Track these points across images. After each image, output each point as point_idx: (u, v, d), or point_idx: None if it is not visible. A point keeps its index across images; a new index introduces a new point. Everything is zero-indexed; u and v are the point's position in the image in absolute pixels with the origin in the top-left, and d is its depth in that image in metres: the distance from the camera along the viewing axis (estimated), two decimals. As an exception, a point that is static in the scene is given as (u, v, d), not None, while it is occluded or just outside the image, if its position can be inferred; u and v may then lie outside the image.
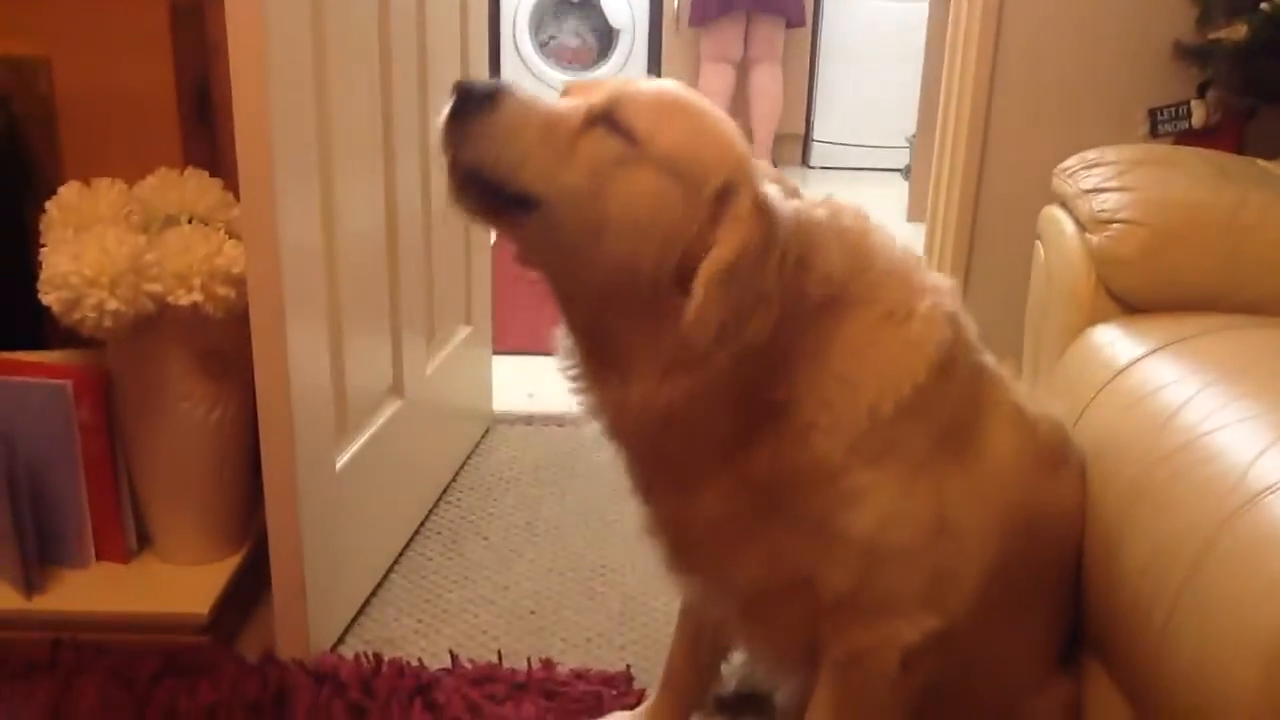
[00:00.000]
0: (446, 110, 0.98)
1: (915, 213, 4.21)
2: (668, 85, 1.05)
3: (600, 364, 1.08)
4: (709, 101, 1.06)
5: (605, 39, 5.38)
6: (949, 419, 1.14)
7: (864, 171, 5.27)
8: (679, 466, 1.12)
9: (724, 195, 1.00)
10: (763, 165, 1.09)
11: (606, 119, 1.00)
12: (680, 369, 1.02)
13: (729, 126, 1.05)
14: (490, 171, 0.98)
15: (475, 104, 0.97)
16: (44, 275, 1.50)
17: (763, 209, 0.99)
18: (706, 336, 0.97)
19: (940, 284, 1.14)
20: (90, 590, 1.65)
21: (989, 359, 1.21)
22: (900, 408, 1.08)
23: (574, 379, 1.12)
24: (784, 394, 1.07)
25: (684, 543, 1.20)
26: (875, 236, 1.13)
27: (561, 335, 1.13)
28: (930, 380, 1.09)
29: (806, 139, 5.55)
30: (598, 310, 1.05)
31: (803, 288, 1.04)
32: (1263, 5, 1.85)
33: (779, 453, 1.08)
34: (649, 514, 1.20)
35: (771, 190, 1.02)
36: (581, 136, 1.00)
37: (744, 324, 0.99)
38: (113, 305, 1.46)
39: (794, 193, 1.09)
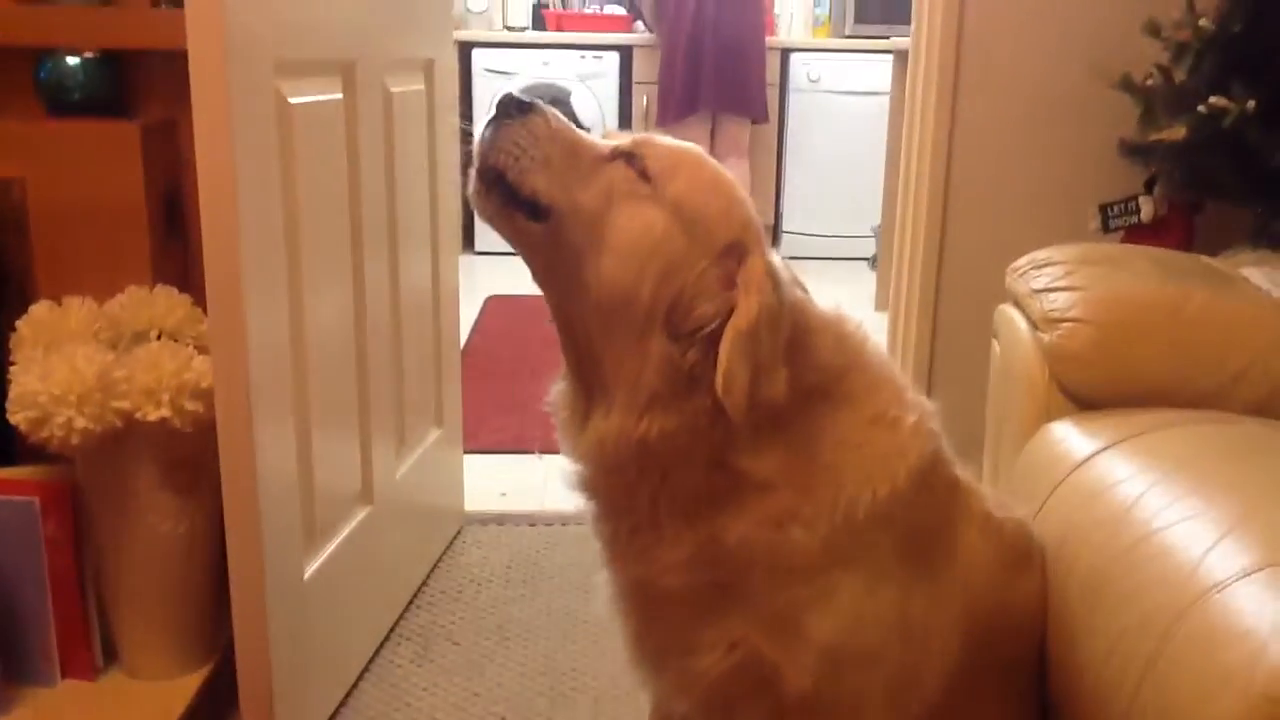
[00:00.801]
0: (487, 118, 1.09)
1: (883, 302, 4.27)
2: (691, 146, 1.14)
3: (588, 397, 1.12)
4: (724, 170, 1.13)
5: (575, 137, 5.48)
6: (919, 528, 1.17)
7: (833, 261, 5.36)
8: (647, 521, 1.12)
9: (732, 253, 1.06)
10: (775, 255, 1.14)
11: (628, 156, 1.09)
12: (659, 407, 1.05)
13: (741, 194, 1.12)
14: (512, 174, 1.07)
15: (511, 113, 1.08)
16: (12, 395, 1.51)
17: (774, 277, 1.05)
18: (740, 395, 1.01)
19: (926, 404, 1.19)
20: (57, 711, 1.63)
21: (962, 471, 1.25)
22: (875, 509, 1.10)
23: (562, 421, 1.16)
24: (759, 470, 1.09)
25: (647, 616, 1.19)
26: (872, 347, 1.18)
27: (558, 380, 1.18)
28: (908, 488, 1.12)
29: (776, 229, 5.64)
30: (592, 337, 1.09)
31: (795, 368, 1.07)
32: (1200, 107, 1.92)
33: (750, 532, 1.09)
34: (615, 578, 1.20)
35: (777, 262, 1.09)
36: (602, 165, 1.09)
37: (762, 383, 1.03)
38: (80, 423, 1.48)
39: (798, 284, 1.14)
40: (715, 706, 1.22)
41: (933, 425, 1.17)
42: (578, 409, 1.13)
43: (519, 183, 1.07)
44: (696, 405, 1.04)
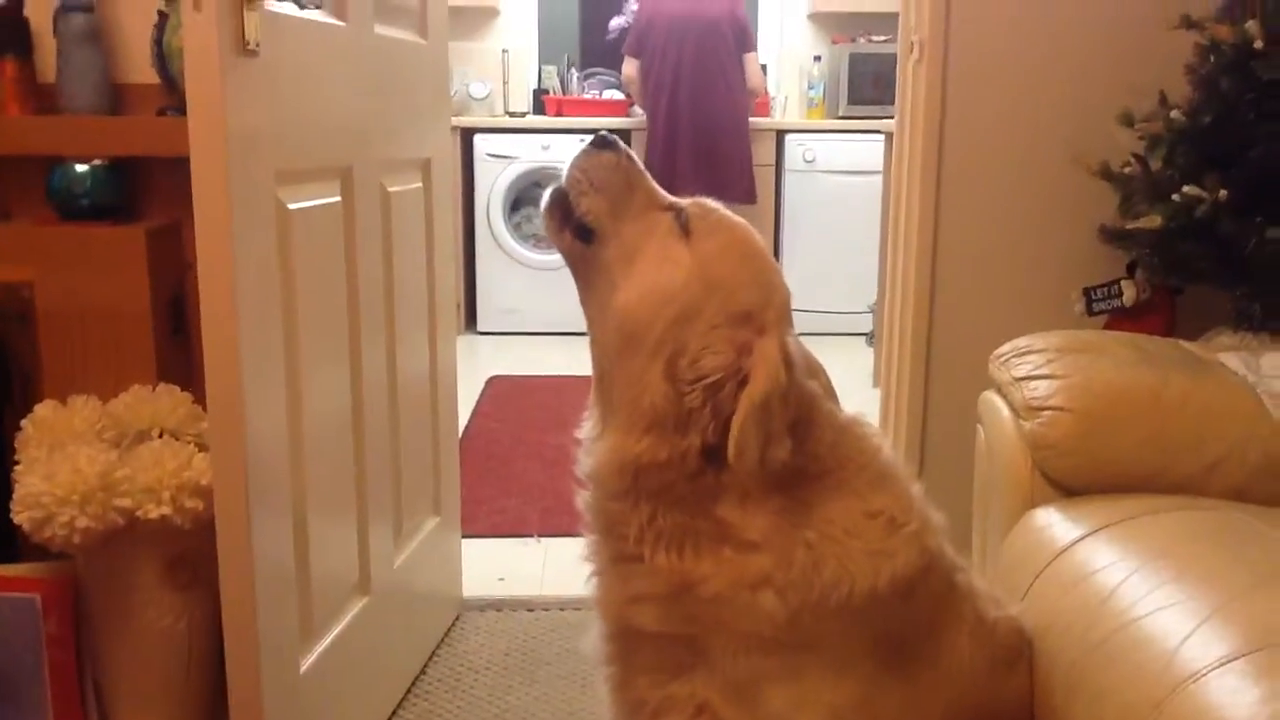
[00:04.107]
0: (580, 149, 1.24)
1: (880, 379, 4.31)
2: (741, 221, 1.22)
3: (602, 415, 1.20)
4: (767, 251, 1.21)
5: (575, 218, 5.57)
6: (897, 631, 1.19)
7: (831, 337, 5.39)
8: (633, 551, 1.15)
9: (748, 322, 1.12)
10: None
11: (678, 211, 1.20)
12: (653, 434, 1.12)
13: (775, 277, 1.19)
14: (572, 193, 1.21)
15: (594, 146, 1.23)
16: (17, 495, 1.55)
17: (787, 356, 1.11)
18: (751, 459, 1.07)
19: (934, 518, 1.23)
20: (53, 806, 1.64)
21: (962, 575, 1.27)
22: (851, 602, 1.13)
23: (582, 445, 1.22)
24: (743, 527, 1.12)
25: (625, 661, 1.21)
26: (886, 453, 1.22)
27: (589, 406, 1.25)
28: (888, 591, 1.14)
29: (774, 306, 5.69)
30: (610, 360, 1.18)
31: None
32: (1174, 196, 1.97)
33: (725, 591, 1.12)
34: (601, 615, 1.23)
35: (798, 350, 1.15)
36: (653, 209, 1.21)
37: (770, 449, 1.08)
38: (83, 522, 1.51)
39: (818, 377, 1.20)
40: None
41: (931, 541, 1.20)
42: (594, 432, 1.21)
43: (575, 201, 1.20)
44: (687, 445, 1.11)
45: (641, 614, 1.17)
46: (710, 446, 1.11)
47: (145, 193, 1.88)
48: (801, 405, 1.13)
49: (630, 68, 5.42)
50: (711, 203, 1.22)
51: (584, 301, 1.24)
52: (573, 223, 1.21)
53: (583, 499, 1.21)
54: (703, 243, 1.16)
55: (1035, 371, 1.72)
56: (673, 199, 1.23)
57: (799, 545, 1.13)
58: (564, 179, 1.23)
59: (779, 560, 1.12)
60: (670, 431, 1.11)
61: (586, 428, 1.23)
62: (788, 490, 1.13)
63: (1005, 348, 1.83)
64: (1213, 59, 2.05)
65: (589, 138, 1.28)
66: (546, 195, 1.24)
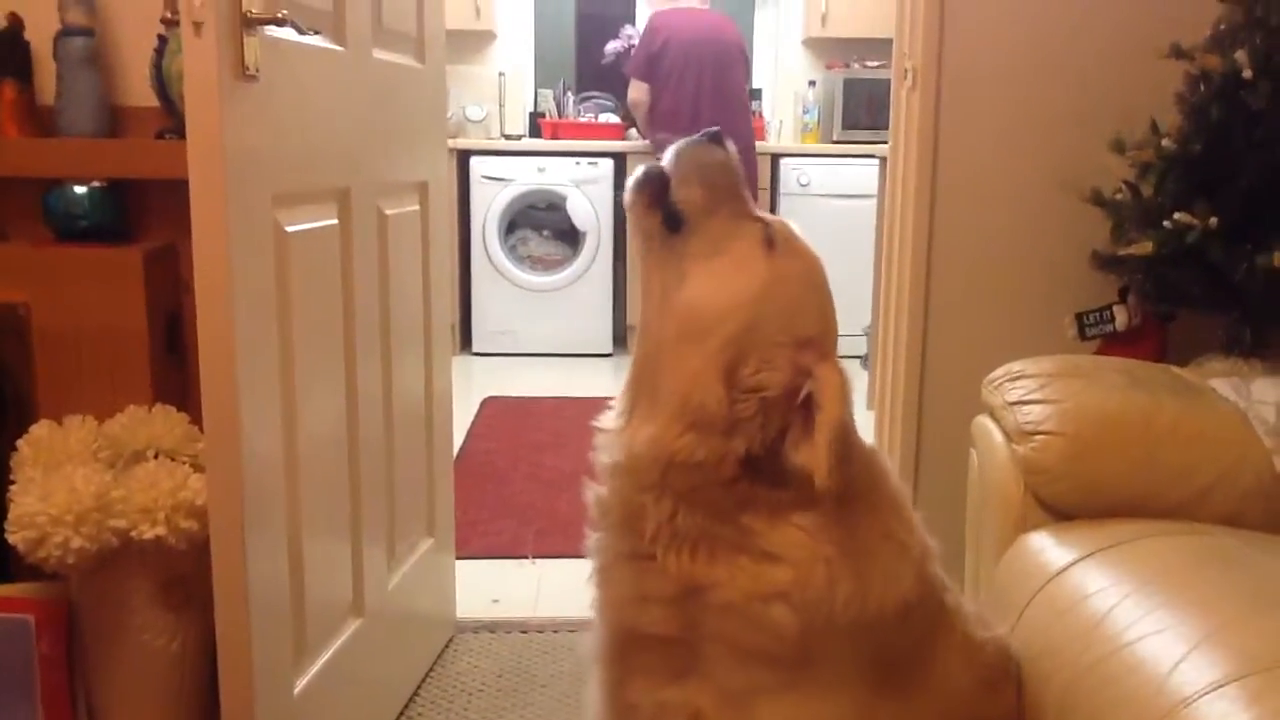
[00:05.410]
0: (686, 140, 1.25)
1: (874, 400, 4.31)
2: (816, 252, 1.23)
3: (637, 404, 1.18)
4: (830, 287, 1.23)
5: (571, 241, 5.60)
6: (893, 651, 1.20)
7: (825, 360, 5.41)
8: (646, 550, 1.15)
9: (810, 347, 1.14)
10: None
11: (766, 224, 1.20)
12: (697, 431, 1.12)
13: (833, 309, 1.21)
14: (674, 178, 1.21)
15: (706, 139, 1.24)
16: (11, 515, 1.55)
17: (846, 385, 1.13)
18: (836, 480, 1.09)
19: (930, 544, 1.25)
20: (43, 829, 1.64)
21: (950, 596, 1.29)
22: (859, 620, 1.14)
23: (604, 435, 1.21)
24: (767, 537, 1.13)
25: (623, 663, 1.21)
26: (895, 479, 1.26)
27: (618, 394, 1.24)
28: (893, 614, 1.16)
29: (769, 329, 5.71)
30: (665, 349, 1.16)
31: None
32: (1165, 223, 1.99)
33: (737, 601, 1.13)
34: (601, 616, 1.23)
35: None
36: (745, 217, 1.21)
37: (839, 472, 1.09)
38: (77, 542, 1.51)
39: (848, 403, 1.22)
40: None
41: (930, 567, 1.23)
42: (622, 420, 1.20)
43: (675, 187, 1.20)
44: (728, 450, 1.11)
45: (645, 615, 1.17)
46: (752, 457, 1.12)
47: (142, 215, 1.89)
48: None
49: (639, 91, 5.20)
50: (794, 225, 1.24)
51: (645, 285, 1.23)
52: (665, 206, 1.20)
53: (596, 492, 1.20)
54: (783, 261, 1.17)
55: (1028, 396, 1.73)
56: (761, 213, 1.24)
57: (820, 562, 1.14)
58: (667, 162, 1.23)
59: (798, 576, 1.13)
60: (715, 434, 1.12)
61: (610, 417, 1.22)
62: (817, 508, 1.14)
63: (998, 372, 1.84)
64: (1203, 88, 2.07)
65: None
66: (640, 171, 1.24)
